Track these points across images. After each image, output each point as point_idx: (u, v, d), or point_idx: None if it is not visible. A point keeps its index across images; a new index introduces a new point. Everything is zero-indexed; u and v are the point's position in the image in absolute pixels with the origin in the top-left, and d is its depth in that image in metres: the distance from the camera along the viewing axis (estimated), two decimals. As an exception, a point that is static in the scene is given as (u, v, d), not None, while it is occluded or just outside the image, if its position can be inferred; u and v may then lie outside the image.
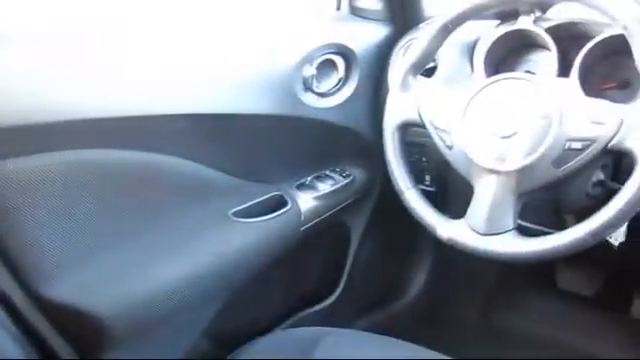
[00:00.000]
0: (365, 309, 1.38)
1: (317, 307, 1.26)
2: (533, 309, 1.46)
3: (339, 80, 1.11)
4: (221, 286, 0.98)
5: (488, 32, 1.07)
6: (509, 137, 0.79)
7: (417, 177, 1.13)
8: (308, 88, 1.05)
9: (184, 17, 0.99)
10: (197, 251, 0.94)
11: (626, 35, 0.75)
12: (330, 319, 1.25)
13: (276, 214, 1.02)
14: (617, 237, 0.89)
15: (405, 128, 0.92)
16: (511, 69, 1.03)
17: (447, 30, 0.89)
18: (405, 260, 1.46)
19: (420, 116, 0.89)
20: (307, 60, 1.04)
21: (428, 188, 1.13)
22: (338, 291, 1.27)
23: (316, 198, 1.10)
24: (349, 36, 1.11)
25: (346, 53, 1.10)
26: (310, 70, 1.05)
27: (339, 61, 1.10)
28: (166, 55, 0.91)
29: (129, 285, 0.85)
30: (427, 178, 1.14)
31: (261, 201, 1.03)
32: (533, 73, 1.02)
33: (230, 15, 1.07)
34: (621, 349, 1.22)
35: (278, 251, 1.04)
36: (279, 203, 1.05)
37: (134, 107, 0.84)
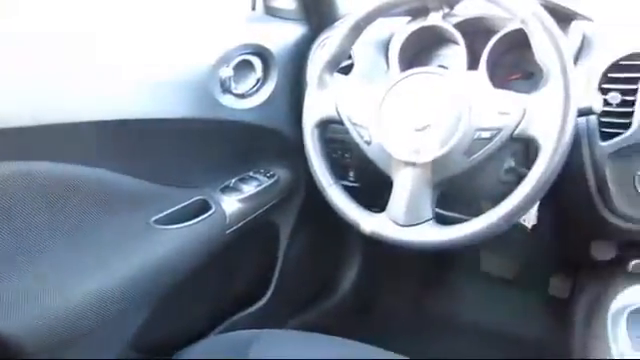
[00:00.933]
0: (298, 308, 1.38)
1: (250, 310, 1.25)
2: (461, 294, 1.51)
3: (257, 80, 1.10)
4: (147, 295, 0.95)
5: (401, 29, 1.09)
6: (423, 130, 0.81)
7: (341, 173, 1.14)
8: (226, 90, 1.04)
9: (89, 18, 0.95)
10: (119, 262, 0.90)
11: (525, 29, 0.79)
12: (263, 321, 1.24)
13: (199, 219, 1.00)
14: (529, 221, 0.94)
15: (324, 125, 0.93)
16: (425, 64, 1.06)
17: (359, 28, 0.91)
18: (336, 256, 1.48)
19: (338, 113, 0.90)
20: (223, 61, 1.03)
21: (352, 184, 1.15)
22: (270, 292, 1.27)
23: (241, 200, 1.09)
24: (265, 36, 1.11)
25: (263, 53, 1.09)
26: (227, 71, 1.03)
27: (256, 61, 1.09)
28: (74, 59, 0.87)
29: (45, 303, 0.81)
30: (351, 174, 1.16)
31: (184, 207, 1.00)
32: (445, 67, 1.06)
33: (140, 16, 1.04)
34: (544, 328, 1.28)
35: (204, 256, 1.03)
36: (202, 207, 1.03)
37: (42, 115, 0.80)
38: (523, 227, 0.95)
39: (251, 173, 1.16)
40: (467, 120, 0.79)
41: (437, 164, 0.80)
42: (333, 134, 1.00)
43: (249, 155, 1.16)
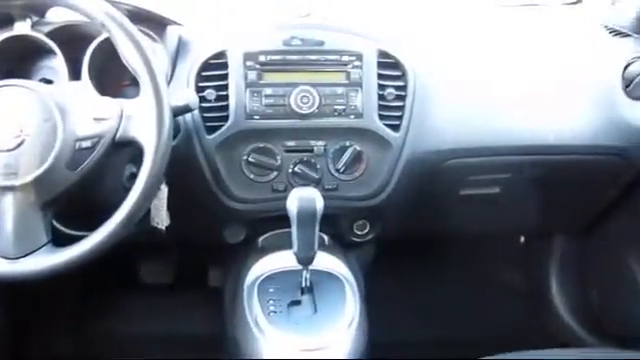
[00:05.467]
0: None
1: None
2: (126, 309, 1.46)
3: None
4: None
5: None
6: (16, 149, 0.74)
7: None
8: None
9: None
10: None
11: (107, 33, 0.79)
12: None
13: None
14: (162, 222, 0.95)
15: None
16: (26, 77, 0.96)
17: None
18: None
19: None
20: None
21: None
22: None
23: None
24: None
25: None
26: None
27: None
28: None
29: None
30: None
31: None
32: (50, 80, 0.99)
33: None
34: (207, 320, 1.32)
35: None
36: None
37: None
38: (159, 229, 0.95)
39: None
40: (62, 132, 0.75)
41: (39, 183, 0.74)
42: None
43: None
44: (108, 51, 0.97)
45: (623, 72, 1.05)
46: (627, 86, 1.05)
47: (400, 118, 0.99)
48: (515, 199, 1.16)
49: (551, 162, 1.09)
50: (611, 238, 1.29)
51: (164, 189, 0.92)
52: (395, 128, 0.99)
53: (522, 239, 1.53)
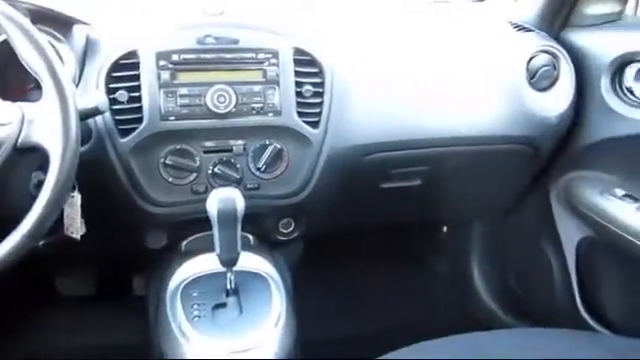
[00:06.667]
0: None
1: None
2: (47, 325, 1.39)
3: None
4: None
5: None
6: None
7: None
8: None
9: None
10: None
11: (4, 33, 0.75)
12: None
13: None
14: (77, 231, 0.91)
15: None
16: None
17: None
18: None
19: None
20: None
21: None
22: None
23: None
24: None
25: None
26: None
27: None
28: None
29: None
30: None
31: None
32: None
33: None
34: (133, 330, 1.27)
35: None
36: None
37: None
38: (73, 239, 0.91)
39: None
40: None
41: None
42: None
43: None
44: (9, 53, 0.92)
45: (527, 65, 1.11)
46: (531, 78, 1.11)
47: (318, 115, 1.00)
48: (436, 190, 1.20)
49: (467, 153, 1.13)
50: (525, 223, 1.35)
51: (77, 196, 0.88)
52: (314, 125, 1.00)
53: (444, 228, 1.58)
